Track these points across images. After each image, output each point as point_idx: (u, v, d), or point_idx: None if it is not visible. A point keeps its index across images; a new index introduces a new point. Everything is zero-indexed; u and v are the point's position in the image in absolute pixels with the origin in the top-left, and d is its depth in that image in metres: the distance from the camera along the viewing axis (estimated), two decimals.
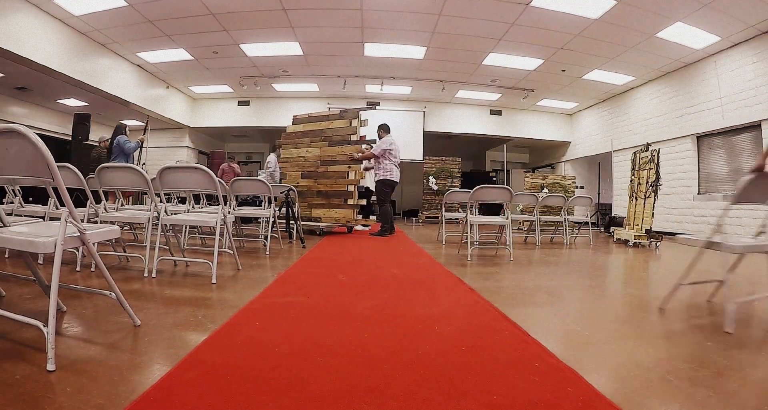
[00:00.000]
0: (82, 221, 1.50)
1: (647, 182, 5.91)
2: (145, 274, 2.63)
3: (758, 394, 1.21)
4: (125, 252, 3.32)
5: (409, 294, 2.37)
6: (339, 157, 6.28)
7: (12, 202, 3.30)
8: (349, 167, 6.21)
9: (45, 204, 3.16)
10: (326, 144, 6.47)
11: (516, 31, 6.60)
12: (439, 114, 11.11)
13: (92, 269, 2.74)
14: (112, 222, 2.72)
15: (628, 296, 2.66)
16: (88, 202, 2.86)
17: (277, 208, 4.50)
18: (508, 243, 4.10)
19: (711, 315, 2.09)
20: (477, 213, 4.71)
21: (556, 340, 1.65)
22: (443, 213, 5.32)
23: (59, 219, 1.34)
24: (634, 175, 6.32)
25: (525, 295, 2.48)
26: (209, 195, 4.26)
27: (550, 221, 6.30)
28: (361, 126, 6.40)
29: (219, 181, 2.81)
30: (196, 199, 4.59)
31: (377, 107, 10.88)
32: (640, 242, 5.75)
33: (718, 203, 6.86)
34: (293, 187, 4.86)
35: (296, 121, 6.95)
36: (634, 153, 6.41)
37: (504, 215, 4.24)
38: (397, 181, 5.98)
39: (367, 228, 6.71)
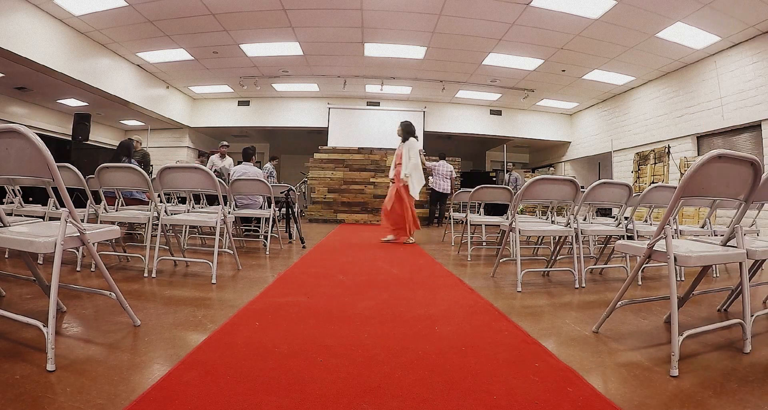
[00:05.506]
0: (82, 221, 1.50)
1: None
2: (145, 274, 2.63)
3: None
4: (125, 252, 3.32)
5: (409, 295, 2.37)
6: (357, 179, 9.27)
7: (12, 202, 3.30)
8: (365, 186, 9.30)
9: (45, 204, 3.15)
10: (348, 169, 9.36)
11: (516, 31, 6.60)
12: (439, 114, 11.10)
13: (92, 269, 2.74)
14: (112, 222, 2.72)
15: None
16: (88, 202, 2.86)
17: (277, 209, 4.49)
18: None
19: None
20: (483, 214, 4.68)
21: None
22: (451, 213, 5.30)
23: (59, 219, 1.34)
24: (640, 174, 6.24)
25: None
26: (209, 195, 4.26)
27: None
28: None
29: (219, 182, 2.81)
30: (196, 199, 4.59)
31: (377, 107, 10.92)
32: None
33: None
34: (293, 187, 4.86)
35: (322, 151, 9.55)
36: (637, 153, 6.38)
37: (506, 216, 4.22)
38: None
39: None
